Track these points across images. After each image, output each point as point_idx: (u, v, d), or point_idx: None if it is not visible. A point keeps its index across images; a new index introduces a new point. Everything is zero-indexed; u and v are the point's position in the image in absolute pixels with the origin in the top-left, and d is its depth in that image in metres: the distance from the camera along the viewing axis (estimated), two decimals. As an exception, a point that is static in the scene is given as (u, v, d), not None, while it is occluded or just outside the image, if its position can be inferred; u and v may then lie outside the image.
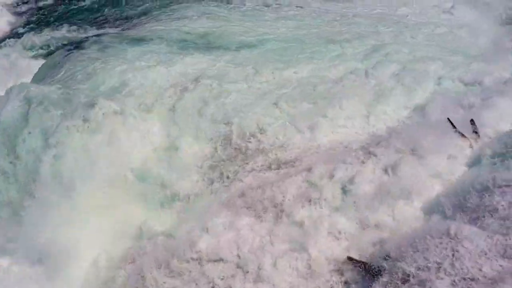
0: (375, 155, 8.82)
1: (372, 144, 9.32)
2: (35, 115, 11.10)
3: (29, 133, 10.86)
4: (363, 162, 8.78)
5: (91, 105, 11.01)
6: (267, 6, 18.74)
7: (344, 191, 8.39)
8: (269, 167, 9.83)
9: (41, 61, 16.82)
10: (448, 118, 9.32)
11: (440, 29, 15.66)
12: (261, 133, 10.67)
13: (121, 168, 10.32)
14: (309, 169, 9.05)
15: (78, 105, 11.15)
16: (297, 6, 18.44)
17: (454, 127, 9.02)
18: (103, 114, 10.90)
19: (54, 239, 9.42)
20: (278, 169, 9.72)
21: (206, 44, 14.80)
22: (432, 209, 7.51)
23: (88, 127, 10.67)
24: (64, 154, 10.37)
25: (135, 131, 10.89)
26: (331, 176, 8.68)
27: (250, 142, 10.54)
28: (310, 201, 8.41)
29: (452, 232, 6.13)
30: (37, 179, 10.17)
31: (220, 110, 11.27)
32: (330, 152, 9.88)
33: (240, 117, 11.04)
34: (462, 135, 8.76)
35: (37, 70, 15.70)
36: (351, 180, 8.43)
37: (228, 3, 19.46)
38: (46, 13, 21.87)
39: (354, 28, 15.84)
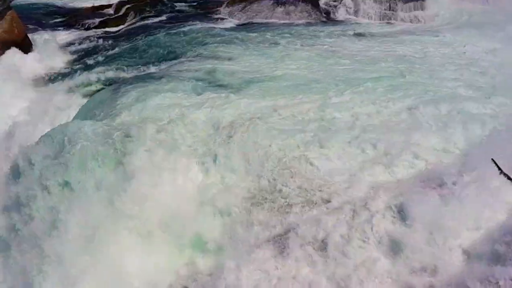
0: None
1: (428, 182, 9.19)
2: (81, 151, 11.13)
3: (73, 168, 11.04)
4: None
5: (136, 143, 11.20)
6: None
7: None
8: (319, 204, 9.63)
9: (87, 99, 17.42)
10: (492, 159, 8.95)
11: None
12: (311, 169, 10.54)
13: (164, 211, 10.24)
14: (360, 207, 9.01)
15: (122, 141, 11.35)
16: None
17: (500, 169, 8.69)
18: (145, 151, 11.06)
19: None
20: (327, 206, 9.54)
21: (244, 85, 15.12)
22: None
23: (130, 164, 10.72)
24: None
25: (179, 171, 10.86)
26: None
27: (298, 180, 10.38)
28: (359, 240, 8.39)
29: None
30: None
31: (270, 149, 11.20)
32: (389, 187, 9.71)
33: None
34: (509, 177, 8.44)
35: (83, 107, 16.24)
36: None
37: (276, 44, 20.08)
38: (96, 53, 22.81)
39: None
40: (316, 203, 9.60)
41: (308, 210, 9.50)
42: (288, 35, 22.07)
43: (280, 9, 26.77)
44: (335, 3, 27.17)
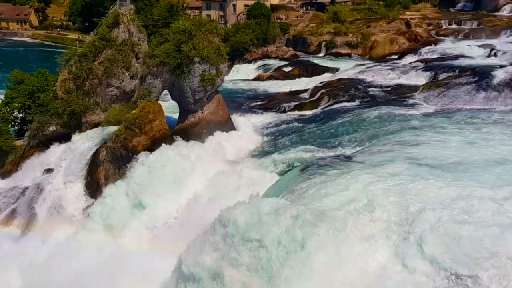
0: None
1: None
2: (267, 225, 11.89)
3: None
4: None
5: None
6: None
7: None
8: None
9: (277, 177, 18.11)
10: None
11: None
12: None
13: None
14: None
15: (305, 221, 11.51)
16: None
17: None
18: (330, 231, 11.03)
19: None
20: None
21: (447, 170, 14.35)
22: None
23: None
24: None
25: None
26: None
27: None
28: None
29: None
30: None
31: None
32: None
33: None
34: None
35: (273, 184, 16.92)
36: None
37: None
38: (289, 134, 23.89)
39: None
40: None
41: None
42: (493, 122, 20.58)
43: (480, 95, 25.28)
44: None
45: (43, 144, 24.35)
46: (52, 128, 24.10)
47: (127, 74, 23.94)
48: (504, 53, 36.65)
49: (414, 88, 29.22)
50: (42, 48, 79.62)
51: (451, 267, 9.96)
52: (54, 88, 24.31)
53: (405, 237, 11.02)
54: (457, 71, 30.74)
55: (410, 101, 27.01)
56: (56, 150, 23.82)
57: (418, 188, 13.03)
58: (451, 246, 10.40)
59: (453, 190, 12.65)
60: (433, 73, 32.21)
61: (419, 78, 32.29)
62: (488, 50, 38.89)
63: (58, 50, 51.24)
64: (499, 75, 26.70)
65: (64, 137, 24.00)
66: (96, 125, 23.85)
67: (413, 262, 10.40)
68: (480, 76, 27.41)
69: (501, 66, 29.75)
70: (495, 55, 36.82)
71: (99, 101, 23.95)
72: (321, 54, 52.88)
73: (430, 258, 10.34)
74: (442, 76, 31.03)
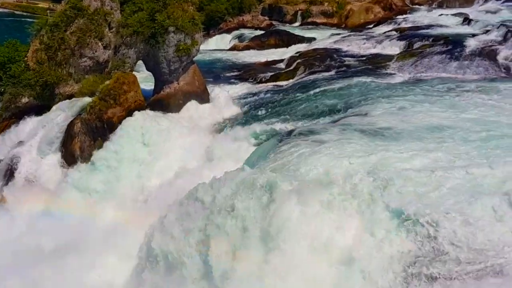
0: None
1: None
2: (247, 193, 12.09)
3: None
4: None
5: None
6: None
7: None
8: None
9: (253, 148, 18.26)
10: None
11: None
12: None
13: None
14: None
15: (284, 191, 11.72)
16: None
17: None
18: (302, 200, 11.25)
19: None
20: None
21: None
22: None
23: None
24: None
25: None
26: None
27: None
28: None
29: None
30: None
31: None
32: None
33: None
34: None
35: (250, 155, 17.06)
36: None
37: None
38: (266, 104, 23.91)
39: None
40: None
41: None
42: (461, 90, 20.95)
43: (453, 64, 25.63)
44: (517, 58, 25.28)
45: (16, 116, 23.96)
46: (24, 100, 23.68)
47: (100, 44, 23.51)
48: (476, 21, 37.09)
49: (389, 58, 29.44)
50: (12, 18, 77.37)
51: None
52: (26, 59, 23.79)
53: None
54: (431, 40, 31.06)
55: (385, 70, 27.25)
56: (30, 122, 23.51)
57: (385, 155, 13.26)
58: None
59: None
60: (407, 43, 32.50)
61: (394, 48, 32.58)
62: (461, 19, 39.33)
63: (29, 20, 49.95)
64: (472, 44, 27.07)
65: (38, 109, 23.63)
66: (70, 96, 23.48)
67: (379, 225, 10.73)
68: (453, 45, 27.77)
69: (474, 35, 30.15)
70: (468, 23, 37.24)
71: (72, 72, 23.52)
72: (297, 24, 52.65)
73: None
74: (416, 45, 31.32)
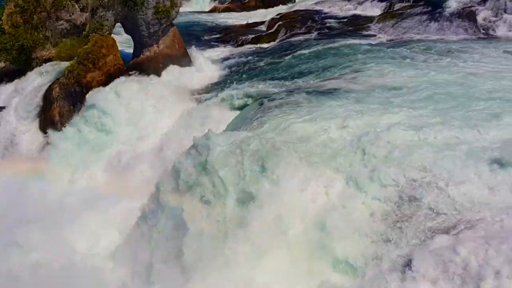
0: None
1: None
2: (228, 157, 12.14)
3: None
4: None
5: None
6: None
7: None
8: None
9: (237, 112, 18.21)
10: None
11: None
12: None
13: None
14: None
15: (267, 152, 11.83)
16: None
17: None
18: (286, 164, 11.38)
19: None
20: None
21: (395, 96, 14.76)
22: None
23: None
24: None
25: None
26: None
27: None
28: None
29: None
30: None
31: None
32: None
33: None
34: None
35: (232, 119, 17.04)
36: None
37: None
38: (247, 67, 23.84)
39: None
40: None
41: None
42: (441, 51, 21.07)
43: (433, 25, 25.70)
44: (495, 19, 25.37)
45: (-8, 81, 23.59)
46: (0, 64, 23.21)
47: (76, 6, 22.90)
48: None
49: (370, 19, 29.38)
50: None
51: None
52: (0, 22, 23.18)
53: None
54: (411, 0, 30.95)
55: (366, 32, 27.24)
56: (7, 87, 23.10)
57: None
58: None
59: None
60: (388, 4, 32.35)
61: (375, 9, 32.44)
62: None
63: (1, -19, 48.24)
64: (452, 5, 27.01)
65: (15, 74, 23.17)
66: (47, 60, 23.00)
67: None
68: (434, 6, 27.72)
69: (454, -5, 30.13)
70: (449, -17, 37.09)
71: (49, 35, 22.98)
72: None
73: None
74: (397, 6, 31.21)
